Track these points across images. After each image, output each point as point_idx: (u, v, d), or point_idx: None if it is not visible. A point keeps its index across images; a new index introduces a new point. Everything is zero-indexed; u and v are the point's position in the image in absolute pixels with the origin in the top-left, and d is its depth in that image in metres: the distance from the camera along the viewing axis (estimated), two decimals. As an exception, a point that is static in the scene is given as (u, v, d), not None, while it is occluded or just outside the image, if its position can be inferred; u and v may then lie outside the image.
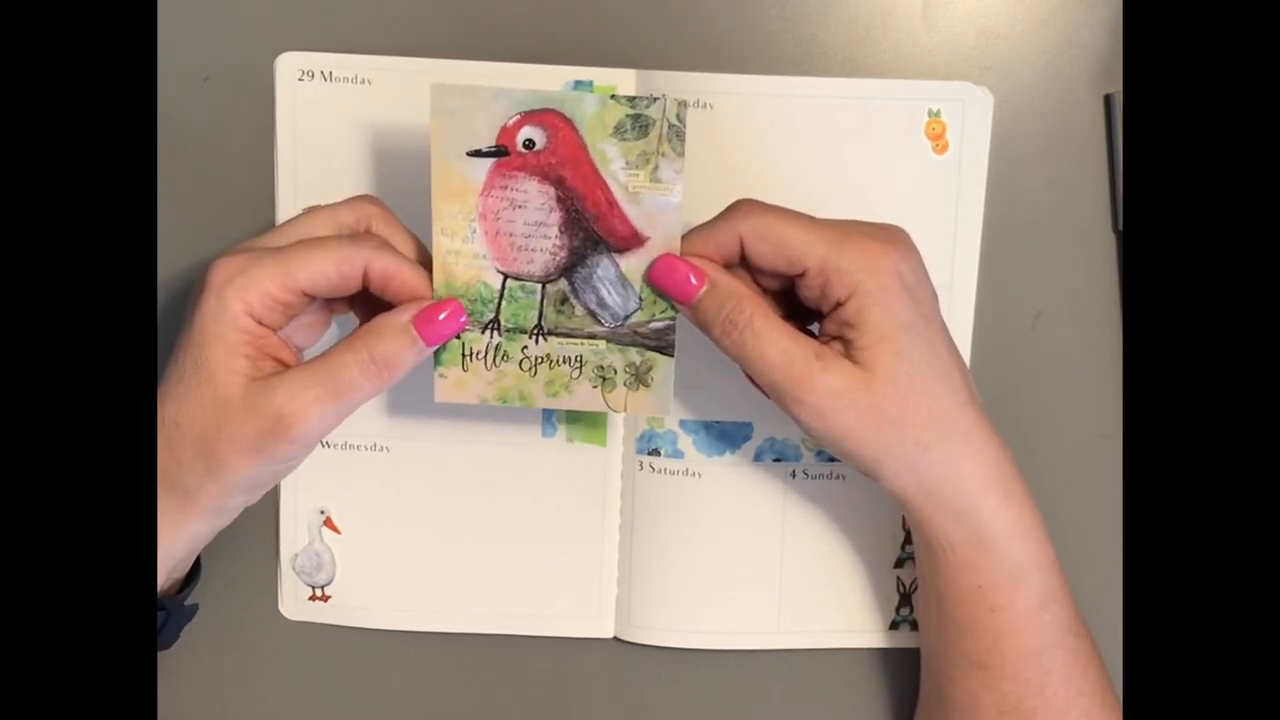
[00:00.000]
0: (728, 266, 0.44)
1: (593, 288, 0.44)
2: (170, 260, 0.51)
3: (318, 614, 0.53)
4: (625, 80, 0.50)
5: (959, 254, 0.51)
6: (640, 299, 0.44)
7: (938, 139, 0.50)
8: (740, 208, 0.44)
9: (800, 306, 0.45)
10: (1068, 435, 0.52)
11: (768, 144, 0.50)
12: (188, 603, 0.49)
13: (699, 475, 0.52)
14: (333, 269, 0.42)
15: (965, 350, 0.51)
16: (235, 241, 0.51)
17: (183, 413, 0.43)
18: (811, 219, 0.43)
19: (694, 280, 0.43)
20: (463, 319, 0.44)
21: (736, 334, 0.43)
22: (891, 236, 0.44)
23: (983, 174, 0.51)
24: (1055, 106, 0.51)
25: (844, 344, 0.43)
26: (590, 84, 0.50)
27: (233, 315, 0.42)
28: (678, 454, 0.52)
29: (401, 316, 0.43)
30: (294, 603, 0.53)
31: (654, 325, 0.44)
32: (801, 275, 0.43)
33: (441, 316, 0.43)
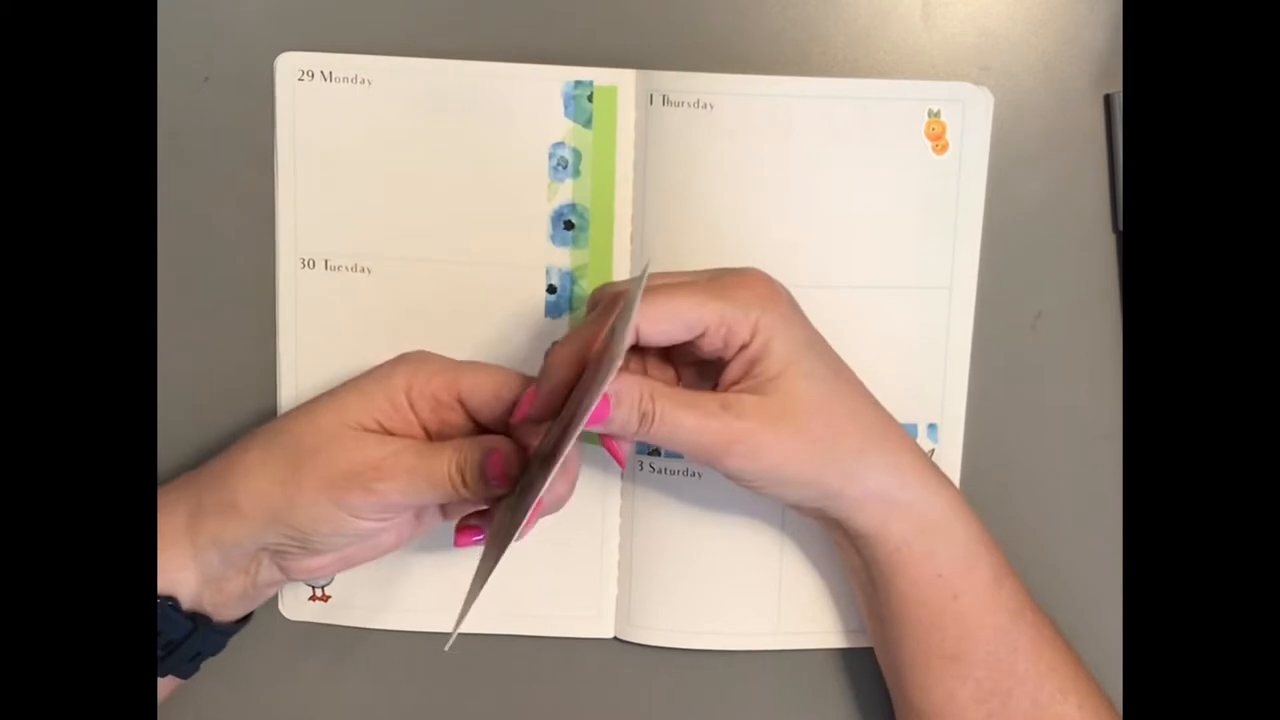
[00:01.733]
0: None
1: None
2: (170, 261, 0.51)
3: (318, 614, 0.53)
4: (625, 80, 0.50)
5: (959, 254, 0.51)
6: None
7: (938, 139, 0.50)
8: (618, 305, 0.43)
9: (686, 357, 0.46)
10: (1068, 435, 0.52)
11: (768, 144, 0.50)
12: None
13: (699, 475, 0.52)
14: (492, 384, 0.44)
15: (965, 350, 0.51)
16: (234, 242, 0.51)
17: (296, 424, 0.45)
18: (682, 283, 0.44)
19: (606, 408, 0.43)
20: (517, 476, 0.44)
21: (648, 426, 0.43)
22: (760, 273, 0.45)
23: (983, 174, 0.51)
24: (1055, 106, 0.51)
25: (751, 380, 0.43)
26: (590, 84, 0.50)
27: (392, 385, 0.44)
28: (678, 454, 0.52)
29: (497, 440, 0.43)
30: (294, 603, 0.53)
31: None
32: (701, 335, 0.43)
33: (512, 471, 0.43)
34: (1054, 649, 0.46)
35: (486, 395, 0.44)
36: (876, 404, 0.46)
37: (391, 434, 0.45)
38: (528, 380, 0.44)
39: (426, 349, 0.47)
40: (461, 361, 0.46)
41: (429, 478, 0.43)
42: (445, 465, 0.43)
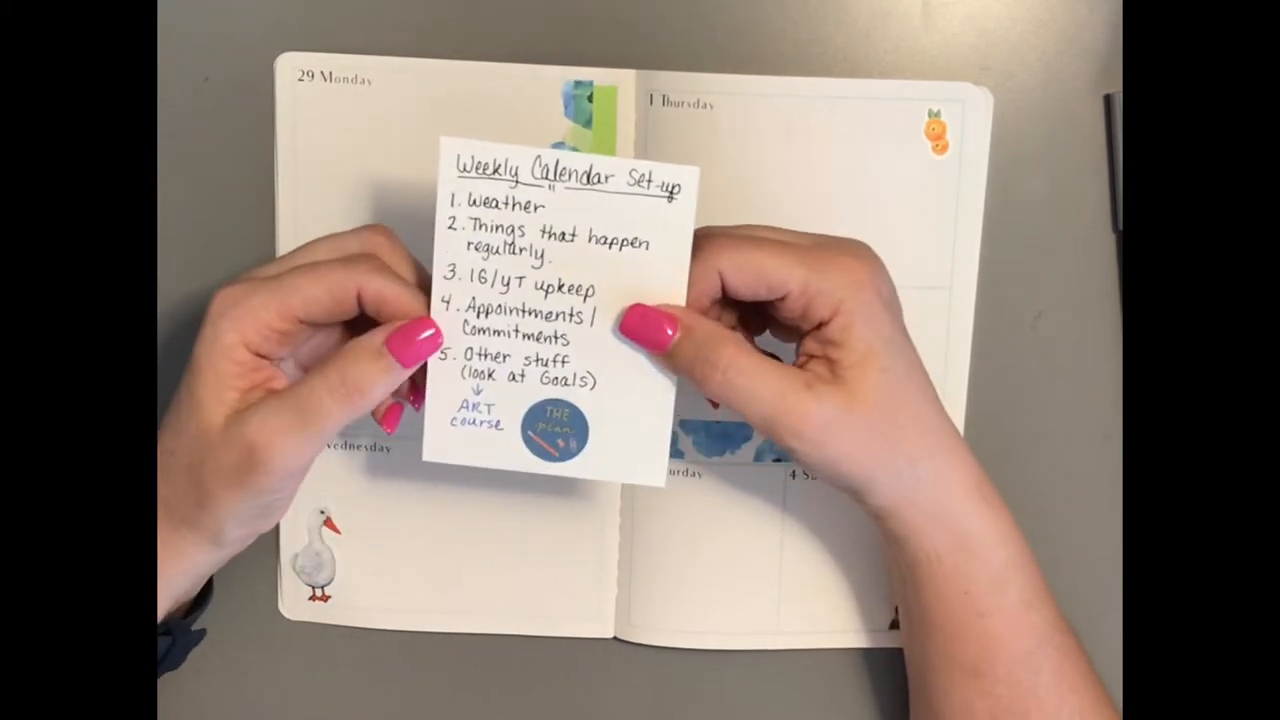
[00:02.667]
0: (711, 303, 0.43)
1: None
2: (170, 261, 0.51)
3: (318, 614, 0.53)
4: (625, 80, 0.50)
5: (959, 254, 0.51)
6: None
7: (938, 139, 0.50)
8: (713, 242, 0.42)
9: (771, 321, 0.45)
10: (1068, 435, 0.52)
11: (768, 144, 0.50)
12: (195, 627, 0.49)
13: (699, 475, 0.52)
14: (325, 294, 0.41)
15: (965, 350, 0.51)
16: (234, 242, 0.51)
17: (176, 443, 0.43)
18: (782, 241, 0.43)
19: (669, 330, 0.42)
20: (440, 340, 0.42)
21: (720, 376, 0.42)
22: (864, 252, 0.44)
23: (983, 174, 0.51)
24: (1055, 106, 0.51)
25: (828, 363, 0.43)
26: (590, 84, 0.50)
27: (226, 346, 0.41)
28: (678, 454, 0.52)
29: (375, 338, 0.41)
30: (294, 603, 0.53)
31: None
32: (782, 299, 0.42)
33: (421, 337, 0.42)
34: (1076, 670, 0.45)
35: (324, 305, 0.41)
36: (942, 412, 0.44)
37: (267, 387, 0.42)
38: (352, 268, 0.42)
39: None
40: (275, 279, 0.42)
41: (309, 421, 0.41)
42: (317, 399, 0.41)
